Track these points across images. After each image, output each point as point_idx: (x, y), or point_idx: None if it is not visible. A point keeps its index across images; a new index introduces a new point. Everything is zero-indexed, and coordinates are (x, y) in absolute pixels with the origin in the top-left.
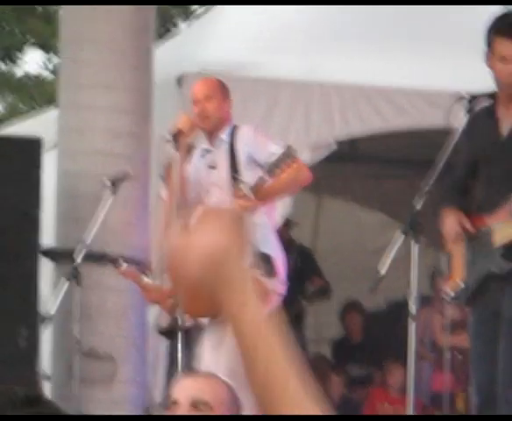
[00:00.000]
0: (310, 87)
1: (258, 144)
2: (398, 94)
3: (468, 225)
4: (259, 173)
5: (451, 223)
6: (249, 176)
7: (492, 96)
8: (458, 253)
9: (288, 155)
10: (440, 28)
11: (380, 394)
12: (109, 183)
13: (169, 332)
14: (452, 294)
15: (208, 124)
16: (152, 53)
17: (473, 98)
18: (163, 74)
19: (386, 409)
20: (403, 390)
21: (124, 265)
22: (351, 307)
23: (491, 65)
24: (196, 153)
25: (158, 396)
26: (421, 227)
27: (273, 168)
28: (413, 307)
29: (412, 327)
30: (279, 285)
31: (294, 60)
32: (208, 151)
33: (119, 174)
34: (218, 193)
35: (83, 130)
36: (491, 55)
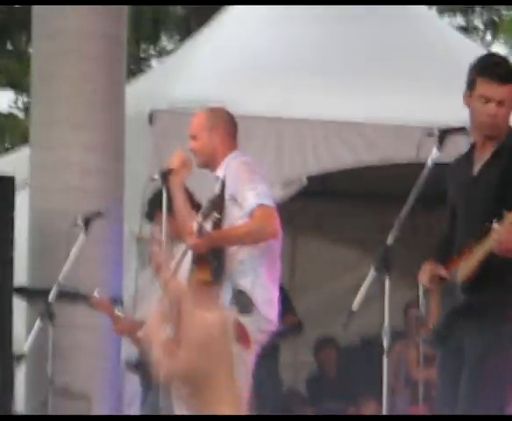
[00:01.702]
0: (282, 122)
1: (238, 183)
2: (369, 128)
3: (442, 272)
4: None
5: (422, 273)
6: (230, 209)
7: (462, 129)
8: (435, 300)
9: (258, 206)
10: (411, 63)
11: None
12: (81, 221)
13: (138, 367)
14: (426, 337)
15: (198, 162)
16: (123, 90)
17: (444, 132)
18: (135, 110)
19: None
20: None
21: (97, 295)
22: (325, 343)
23: (470, 103)
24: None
25: None
26: (392, 262)
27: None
28: (386, 341)
29: (385, 362)
30: (262, 322)
31: (265, 96)
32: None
33: (91, 212)
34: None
35: (55, 167)
36: (471, 94)
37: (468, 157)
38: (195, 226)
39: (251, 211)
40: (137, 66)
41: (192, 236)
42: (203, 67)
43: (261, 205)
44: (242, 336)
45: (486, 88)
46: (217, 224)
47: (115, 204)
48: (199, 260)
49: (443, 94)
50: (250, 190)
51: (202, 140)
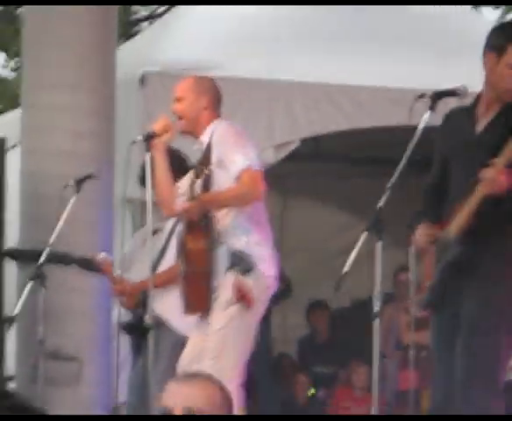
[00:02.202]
0: (274, 86)
1: (226, 146)
2: (361, 92)
3: (438, 233)
4: (225, 175)
5: (418, 237)
6: (218, 176)
7: (454, 92)
8: (429, 262)
9: (245, 169)
10: (403, 27)
11: (345, 393)
12: (72, 183)
13: (130, 327)
14: (420, 301)
15: (182, 126)
16: (114, 53)
17: (436, 96)
18: (125, 73)
19: (350, 407)
20: (367, 389)
21: (103, 254)
22: (316, 306)
23: (494, 67)
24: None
25: (122, 395)
26: (384, 225)
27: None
28: (377, 304)
29: (376, 326)
30: (264, 280)
31: (257, 60)
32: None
33: (82, 174)
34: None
35: (46, 130)
36: (498, 59)
37: (470, 112)
38: (185, 185)
39: (238, 174)
40: (128, 29)
41: (183, 202)
42: (195, 31)
43: (248, 169)
44: (244, 296)
45: None
46: (207, 182)
47: (106, 167)
48: (192, 229)
49: (439, 63)
50: (237, 153)
51: (188, 102)
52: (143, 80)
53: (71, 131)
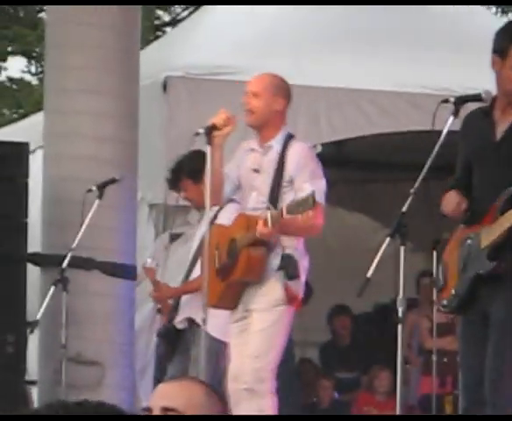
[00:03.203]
0: (296, 90)
1: (301, 171)
2: (383, 96)
3: (464, 205)
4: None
5: (451, 196)
6: (286, 194)
7: (477, 97)
8: (453, 263)
9: (313, 201)
10: (425, 31)
11: (367, 398)
12: (95, 188)
13: (165, 333)
14: (445, 303)
15: (252, 120)
16: (138, 58)
17: (459, 101)
18: (148, 77)
19: (372, 412)
20: (389, 394)
21: (149, 260)
22: (339, 310)
23: (501, 71)
24: (242, 151)
25: (145, 400)
26: (407, 230)
27: (293, 207)
28: (400, 310)
29: (399, 331)
30: (300, 288)
31: (279, 63)
32: (253, 150)
33: (105, 179)
34: (256, 197)
35: (69, 135)
36: (503, 62)
37: (488, 115)
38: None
39: (305, 208)
40: (151, 33)
41: (261, 224)
42: (217, 35)
43: (319, 204)
44: (293, 298)
45: None
46: (277, 196)
47: (129, 172)
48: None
49: (456, 64)
50: (307, 183)
51: (264, 100)
52: (165, 84)
53: (94, 136)
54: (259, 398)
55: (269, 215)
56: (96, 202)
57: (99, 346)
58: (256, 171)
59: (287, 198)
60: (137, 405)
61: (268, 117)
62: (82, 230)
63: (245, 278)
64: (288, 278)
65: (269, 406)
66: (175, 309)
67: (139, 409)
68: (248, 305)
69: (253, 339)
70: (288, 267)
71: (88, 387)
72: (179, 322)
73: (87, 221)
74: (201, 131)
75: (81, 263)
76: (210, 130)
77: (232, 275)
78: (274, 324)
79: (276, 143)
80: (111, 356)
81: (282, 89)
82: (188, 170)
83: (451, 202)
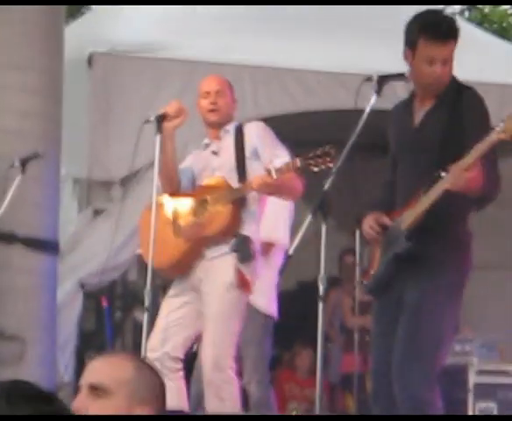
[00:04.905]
0: (222, 67)
1: (266, 141)
2: (308, 75)
3: (385, 220)
4: (260, 167)
5: (367, 223)
6: (250, 168)
7: (401, 76)
8: (377, 247)
9: (292, 166)
10: (350, 10)
11: (288, 375)
12: (18, 163)
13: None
14: (366, 283)
15: (218, 117)
16: (62, 33)
17: (382, 78)
18: (73, 53)
19: (293, 390)
20: (311, 372)
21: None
22: None
23: (412, 63)
24: (195, 153)
25: (67, 376)
26: (329, 208)
27: (284, 169)
28: (321, 288)
29: (321, 309)
30: (254, 271)
31: (205, 41)
32: (208, 145)
33: (28, 154)
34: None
35: None
36: (414, 55)
37: (407, 105)
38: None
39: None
40: (76, 8)
41: (264, 175)
42: (144, 11)
43: (295, 168)
44: (243, 282)
45: (430, 49)
46: (242, 169)
47: (52, 147)
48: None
49: (383, 45)
50: (283, 151)
51: (227, 98)
52: (91, 60)
53: (17, 110)
54: (217, 387)
55: (273, 168)
56: (19, 177)
57: (20, 321)
58: (215, 153)
59: (254, 169)
60: (58, 380)
61: (232, 112)
62: (5, 205)
63: (220, 236)
64: (242, 260)
65: (230, 392)
66: None
67: (60, 384)
68: (197, 285)
69: (209, 325)
70: (243, 249)
71: (10, 362)
72: None
73: (9, 196)
74: (151, 118)
75: (3, 238)
76: (161, 118)
77: (204, 232)
78: (229, 310)
79: (231, 128)
80: (33, 331)
81: (234, 92)
82: None
83: (367, 231)
